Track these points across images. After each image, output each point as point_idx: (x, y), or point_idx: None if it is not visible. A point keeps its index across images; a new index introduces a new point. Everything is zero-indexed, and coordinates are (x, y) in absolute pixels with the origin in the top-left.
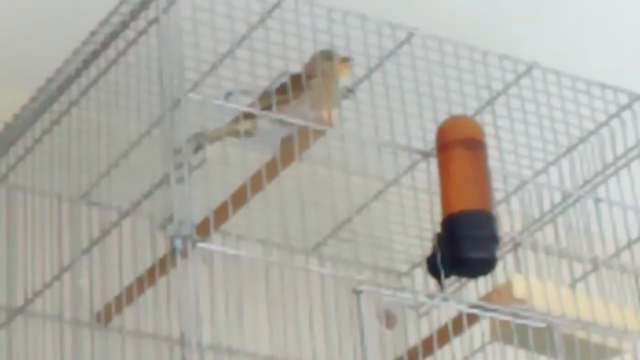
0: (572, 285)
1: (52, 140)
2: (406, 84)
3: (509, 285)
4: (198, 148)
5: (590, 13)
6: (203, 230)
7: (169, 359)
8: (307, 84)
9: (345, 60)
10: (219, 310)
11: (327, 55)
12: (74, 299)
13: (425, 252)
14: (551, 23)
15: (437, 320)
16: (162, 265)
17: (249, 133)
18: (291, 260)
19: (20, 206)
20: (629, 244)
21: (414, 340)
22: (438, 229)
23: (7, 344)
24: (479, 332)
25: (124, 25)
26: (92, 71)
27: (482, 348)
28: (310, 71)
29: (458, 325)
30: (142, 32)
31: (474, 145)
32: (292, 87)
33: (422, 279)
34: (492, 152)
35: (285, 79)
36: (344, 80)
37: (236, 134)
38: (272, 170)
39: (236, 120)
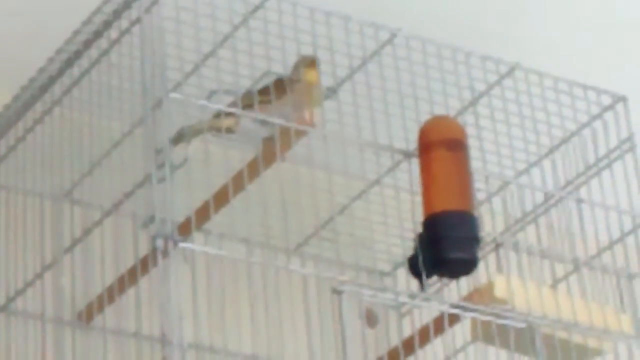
0: (554, 285)
1: (35, 139)
2: (389, 84)
3: (490, 286)
4: (178, 140)
5: (572, 14)
6: (185, 229)
7: (151, 358)
8: (289, 87)
9: (312, 63)
10: (201, 310)
11: (310, 61)
12: (56, 297)
13: (407, 252)
14: (533, 24)
15: (418, 320)
16: (144, 265)
17: (230, 130)
18: (273, 260)
19: (2, 205)
20: (611, 245)
21: (395, 340)
22: (420, 229)
23: None
24: (460, 332)
25: (107, 24)
26: (75, 70)
27: (464, 348)
28: (293, 76)
29: (439, 325)
30: (125, 32)
31: (456, 145)
32: (275, 89)
33: (404, 278)
34: (474, 152)
35: (268, 81)
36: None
37: (218, 130)
38: (254, 169)
39: (218, 116)
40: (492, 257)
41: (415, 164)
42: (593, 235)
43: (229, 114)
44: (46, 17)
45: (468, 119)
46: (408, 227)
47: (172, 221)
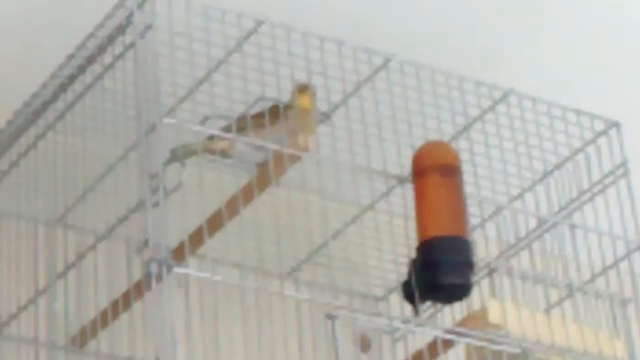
0: (548, 310)
1: (29, 163)
2: (382, 109)
3: (484, 311)
4: (172, 159)
5: (565, 40)
6: (178, 254)
7: None
8: (284, 114)
9: (306, 89)
10: (195, 334)
11: (304, 88)
12: (50, 322)
13: (400, 277)
14: (527, 50)
15: (412, 345)
16: (138, 289)
17: (224, 153)
18: (267, 285)
19: None
20: (604, 270)
21: None
22: (413, 254)
23: None
24: (454, 357)
25: (101, 49)
26: (69, 95)
27: None
28: (289, 103)
29: (433, 350)
30: (119, 57)
31: (450, 171)
32: (269, 115)
33: (397, 303)
34: (467, 177)
35: (263, 106)
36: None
37: (212, 152)
38: (248, 194)
39: (212, 138)
40: (485, 283)
41: (409, 189)
42: (586, 261)
43: (223, 137)
44: (40, 41)
45: (462, 145)
46: (402, 252)
47: (166, 246)
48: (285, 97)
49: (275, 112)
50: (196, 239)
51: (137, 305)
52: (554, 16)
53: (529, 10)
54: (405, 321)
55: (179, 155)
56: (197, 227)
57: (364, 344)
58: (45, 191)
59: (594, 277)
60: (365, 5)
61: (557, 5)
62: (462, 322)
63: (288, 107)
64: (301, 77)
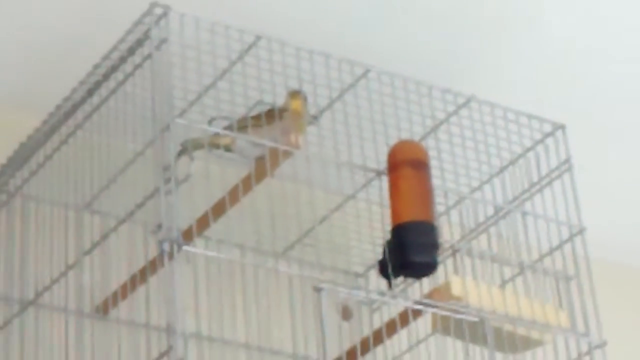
0: (502, 285)
1: (61, 157)
2: (362, 112)
3: (448, 285)
4: (181, 152)
5: (519, 53)
6: (188, 235)
7: (158, 345)
8: (279, 116)
9: (298, 95)
10: (201, 304)
11: (295, 94)
12: (78, 293)
13: (377, 256)
14: (488, 62)
15: (387, 315)
16: (153, 265)
17: (227, 148)
18: (263, 262)
19: (32, 213)
20: (551, 251)
21: (367, 331)
22: (388, 237)
23: (20, 331)
24: (422, 325)
25: (122, 60)
26: (95, 99)
27: (425, 339)
28: (283, 106)
29: (405, 319)
30: (138, 66)
31: (420, 165)
32: (266, 116)
33: (375, 279)
34: (435, 171)
35: (261, 109)
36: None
37: (217, 146)
38: (247, 185)
39: (217, 136)
40: (449, 261)
41: (384, 181)
42: (535, 243)
43: (226, 135)
44: (71, 53)
45: (430, 143)
46: (378, 235)
47: (177, 228)
48: (279, 101)
49: (271, 114)
50: (203, 222)
51: (152, 279)
52: (512, 36)
53: (490, 31)
54: (381, 294)
55: (189, 147)
56: (204, 213)
57: (346, 314)
58: (74, 181)
59: (541, 257)
60: (349, 24)
61: (514, 28)
62: (429, 295)
63: (282, 110)
64: (293, 85)
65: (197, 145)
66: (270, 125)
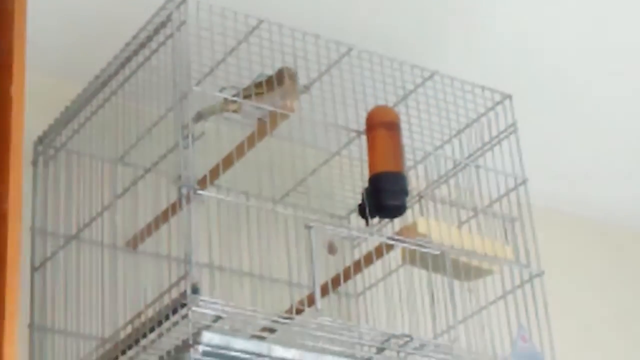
0: (459, 226)
1: (98, 119)
2: (346, 83)
3: (415, 224)
4: (198, 118)
5: (474, 30)
6: (202, 183)
7: (177, 273)
8: (277, 84)
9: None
10: (213, 240)
11: (291, 72)
12: (112, 230)
13: (357, 201)
14: (449, 41)
15: (365, 249)
16: (173, 207)
17: (235, 112)
18: (264, 206)
19: (75, 165)
20: (499, 198)
21: (348, 262)
22: (366, 185)
23: (64, 261)
24: (394, 257)
25: (149, 38)
26: (127, 70)
27: (396, 269)
28: (280, 76)
29: (379, 252)
30: (162, 44)
31: (392, 126)
32: (266, 85)
33: (355, 220)
34: (405, 132)
35: (262, 79)
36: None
37: (226, 111)
38: (251, 142)
39: (226, 101)
40: (416, 205)
41: (363, 139)
42: (487, 192)
43: (234, 101)
44: (108, 33)
45: (401, 109)
46: (358, 184)
47: (193, 177)
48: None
49: (271, 84)
50: (214, 172)
51: (172, 219)
52: (471, 18)
53: (454, 11)
54: (360, 231)
55: (205, 114)
56: (215, 165)
57: (331, 248)
58: (109, 139)
59: (492, 203)
60: (335, 7)
61: (473, 12)
62: (400, 232)
63: (279, 79)
64: (289, 60)
65: (210, 111)
66: (269, 93)
